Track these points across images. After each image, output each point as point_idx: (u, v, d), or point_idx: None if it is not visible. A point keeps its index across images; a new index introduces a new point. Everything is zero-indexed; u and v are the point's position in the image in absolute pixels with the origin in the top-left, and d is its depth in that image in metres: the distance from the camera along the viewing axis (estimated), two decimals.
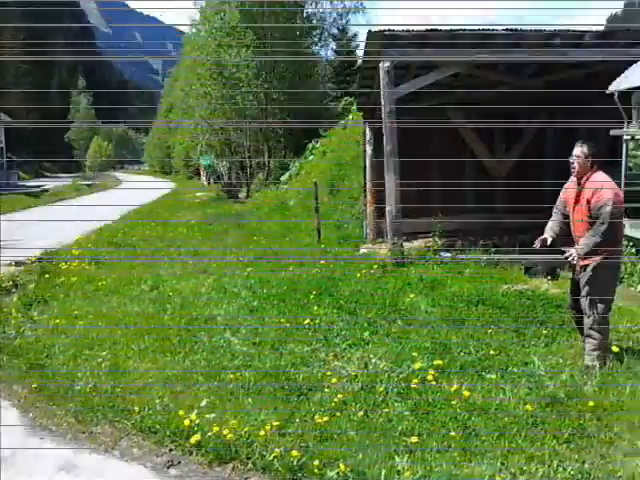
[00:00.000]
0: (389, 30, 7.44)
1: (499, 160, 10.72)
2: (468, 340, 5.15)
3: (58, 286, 8.00)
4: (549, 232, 4.86)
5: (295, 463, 3.30)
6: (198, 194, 28.00)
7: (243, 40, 18.80)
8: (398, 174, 7.87)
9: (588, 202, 4.49)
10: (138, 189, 30.15)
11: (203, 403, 4.09)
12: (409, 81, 8.39)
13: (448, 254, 8.07)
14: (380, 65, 7.73)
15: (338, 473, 3.19)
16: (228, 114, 19.77)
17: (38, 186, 47.69)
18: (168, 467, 3.52)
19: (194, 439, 3.61)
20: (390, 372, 4.52)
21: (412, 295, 6.44)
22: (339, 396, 4.06)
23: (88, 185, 48.28)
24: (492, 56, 7.54)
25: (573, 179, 4.74)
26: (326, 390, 4.21)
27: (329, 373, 4.55)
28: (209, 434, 3.62)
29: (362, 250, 9.81)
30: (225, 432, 3.61)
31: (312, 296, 6.60)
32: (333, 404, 3.99)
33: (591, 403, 3.83)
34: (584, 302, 4.55)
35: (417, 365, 4.52)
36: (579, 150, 4.62)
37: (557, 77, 9.31)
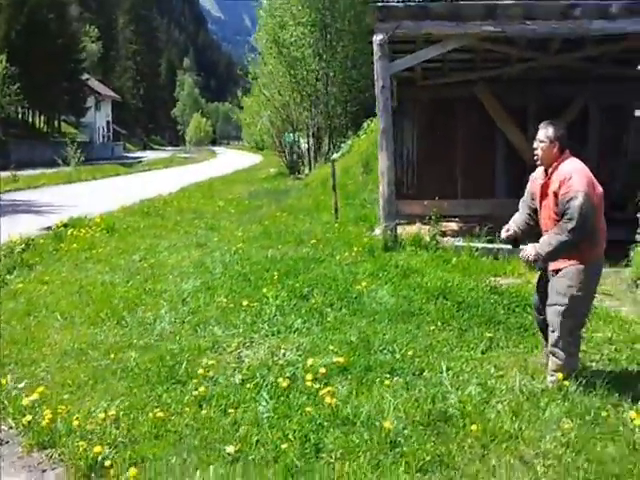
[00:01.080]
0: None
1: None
2: (398, 337, 4.49)
3: (54, 252, 8.07)
4: (512, 226, 4.00)
5: (98, 460, 2.91)
6: (272, 170, 28.08)
7: (302, 19, 18.29)
8: (392, 153, 7.14)
9: (555, 195, 3.61)
10: (220, 163, 30.86)
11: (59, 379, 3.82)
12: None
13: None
14: (373, 39, 6.99)
15: (127, 478, 2.76)
16: (290, 92, 19.42)
17: (137, 157, 50.47)
18: None
19: (25, 420, 3.31)
20: (285, 366, 3.99)
21: (372, 283, 5.79)
22: (201, 389, 3.59)
23: (185, 158, 50.38)
24: (497, 27, 6.56)
25: (541, 169, 3.82)
26: (194, 381, 3.75)
27: (213, 363, 4.09)
28: (39, 417, 3.31)
29: (376, 231, 9.15)
30: (57, 416, 3.30)
31: (276, 277, 6.14)
32: (192, 398, 3.55)
33: (474, 427, 3.10)
34: (549, 313, 3.71)
35: (310, 362, 3.95)
36: (542, 133, 3.71)
37: (588, 53, 8.06)
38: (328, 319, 4.94)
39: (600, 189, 3.64)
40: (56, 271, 7.02)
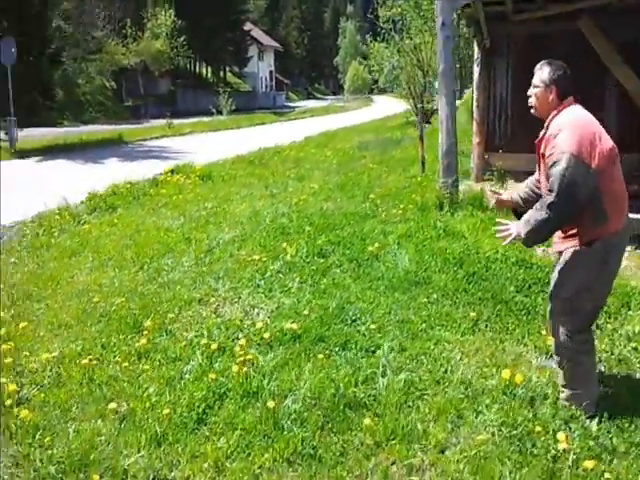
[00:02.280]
0: None
1: None
2: (381, 307, 4.05)
3: (142, 196, 8.59)
4: (513, 193, 3.23)
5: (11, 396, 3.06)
6: (411, 118, 26.99)
7: None
8: (453, 98, 6.32)
9: (543, 157, 2.82)
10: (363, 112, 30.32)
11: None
12: None
13: None
14: None
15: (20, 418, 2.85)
16: (420, 32, 18.22)
17: (296, 107, 51.79)
18: None
19: None
20: (241, 327, 3.82)
21: (398, 245, 5.29)
22: (143, 341, 3.58)
23: (340, 106, 50.62)
24: None
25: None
26: (145, 333, 3.74)
27: (186, 315, 4.05)
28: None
29: (461, 187, 8.38)
30: (15, 350, 3.52)
31: (310, 232, 5.91)
32: (134, 350, 3.55)
33: (368, 421, 2.69)
34: (548, 310, 2.97)
35: (259, 324, 3.73)
36: (536, 76, 2.88)
37: None
38: (324, 281, 4.64)
39: (608, 145, 2.71)
40: (130, 215, 7.50)
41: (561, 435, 2.49)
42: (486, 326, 3.75)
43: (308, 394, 2.98)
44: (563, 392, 2.88)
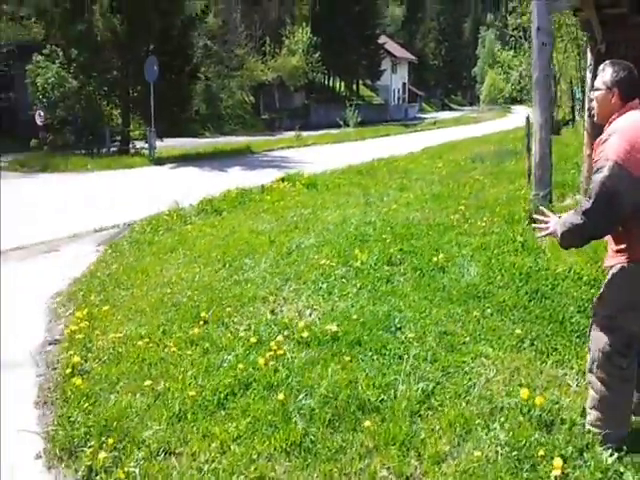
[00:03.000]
0: None
1: None
2: (430, 318, 3.98)
3: (247, 202, 9.12)
4: None
5: (75, 367, 3.48)
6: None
7: None
8: (547, 108, 5.96)
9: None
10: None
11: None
12: None
13: None
14: None
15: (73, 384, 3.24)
16: None
17: (427, 118, 51.23)
18: None
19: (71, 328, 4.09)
20: (288, 326, 3.96)
21: (471, 257, 5.13)
22: (195, 330, 3.87)
23: (473, 117, 49.28)
24: None
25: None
26: (201, 324, 4.03)
27: (245, 312, 4.29)
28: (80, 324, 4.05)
29: (567, 201, 7.86)
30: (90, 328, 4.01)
31: (388, 240, 5.92)
32: (186, 337, 3.85)
33: (368, 423, 2.67)
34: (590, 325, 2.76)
35: (302, 324, 3.83)
36: (598, 78, 2.66)
37: None
38: (383, 289, 4.64)
39: None
40: (232, 218, 8.03)
41: (557, 462, 2.31)
42: (532, 344, 3.54)
43: (325, 392, 3.06)
44: (589, 414, 2.65)
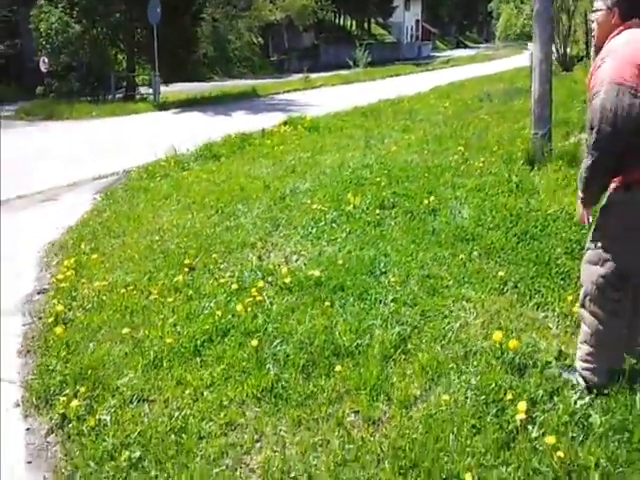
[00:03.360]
0: None
1: None
2: (415, 261, 3.88)
3: (247, 146, 8.92)
4: None
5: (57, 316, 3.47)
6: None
7: None
8: (548, 42, 5.61)
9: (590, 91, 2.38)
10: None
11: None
12: None
13: None
14: None
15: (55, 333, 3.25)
16: None
17: (441, 56, 49.39)
18: None
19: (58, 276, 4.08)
20: (272, 271, 3.89)
21: (464, 199, 4.97)
22: (179, 278, 3.83)
23: (487, 55, 47.41)
24: None
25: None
26: (185, 271, 3.98)
27: (231, 258, 4.23)
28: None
29: (570, 139, 7.56)
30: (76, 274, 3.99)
31: (383, 184, 5.76)
32: (169, 283, 3.82)
33: (339, 368, 2.63)
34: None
35: (285, 270, 3.76)
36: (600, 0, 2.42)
37: None
38: (372, 233, 4.54)
39: None
40: (229, 163, 7.88)
41: (521, 405, 2.25)
42: (515, 287, 3.44)
43: (301, 338, 3.02)
44: (579, 349, 2.53)
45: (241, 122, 11.98)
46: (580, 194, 2.46)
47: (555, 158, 5.81)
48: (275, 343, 2.98)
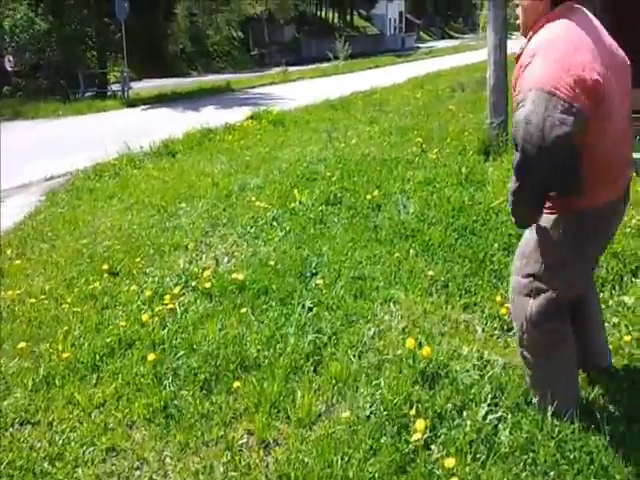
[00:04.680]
0: None
1: None
2: (348, 260, 3.65)
3: (207, 142, 8.66)
4: None
5: None
6: None
7: None
8: (502, 26, 5.38)
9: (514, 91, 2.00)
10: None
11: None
12: None
13: None
14: None
15: None
16: None
17: (424, 47, 49.08)
18: None
19: None
20: (191, 278, 3.65)
21: (413, 193, 4.74)
22: (97, 284, 3.58)
23: (470, 45, 47.21)
24: None
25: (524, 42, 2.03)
26: (106, 276, 3.74)
27: (162, 261, 3.99)
28: None
29: None
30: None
31: (334, 178, 5.53)
32: (86, 291, 3.57)
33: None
34: (510, 288, 2.24)
35: (206, 274, 3.52)
36: None
37: None
38: (312, 231, 4.31)
39: (581, 78, 1.75)
40: (185, 160, 7.61)
41: (420, 423, 2.04)
42: (445, 287, 3.23)
43: (208, 350, 2.79)
44: (534, 396, 2.19)
45: (209, 117, 11.65)
46: (512, 217, 2.08)
47: (511, 148, 5.60)
48: (179, 356, 2.75)
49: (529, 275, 2.09)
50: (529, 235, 2.12)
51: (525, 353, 2.17)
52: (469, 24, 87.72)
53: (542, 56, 1.83)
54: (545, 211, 2.01)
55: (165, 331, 2.98)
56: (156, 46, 18.04)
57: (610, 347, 2.48)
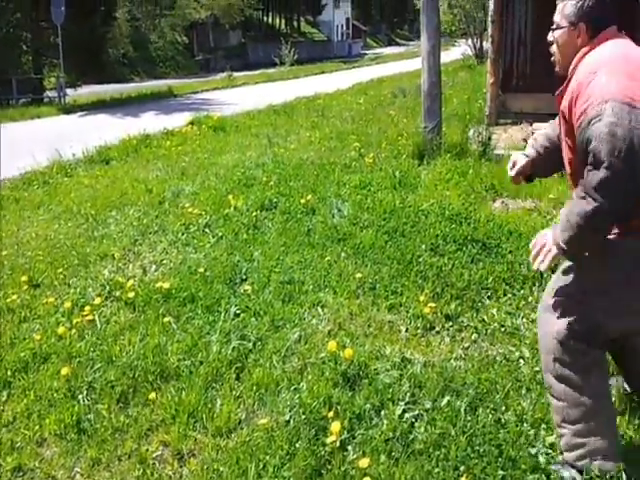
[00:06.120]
0: None
1: None
2: (277, 266, 3.65)
3: (144, 148, 8.50)
4: (529, 149, 2.18)
5: None
6: (469, 61, 25.01)
7: None
8: (435, 32, 5.53)
9: (565, 119, 1.87)
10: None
11: None
12: None
13: None
14: None
15: None
16: None
17: (371, 54, 49.87)
18: None
19: None
20: (115, 288, 3.55)
21: (348, 196, 4.79)
22: (13, 297, 3.44)
23: (415, 52, 48.28)
24: None
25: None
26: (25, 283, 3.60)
27: (90, 271, 3.87)
28: None
29: (471, 131, 7.57)
30: None
31: (271, 182, 5.52)
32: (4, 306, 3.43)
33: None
34: (538, 329, 2.02)
35: (129, 283, 3.45)
36: (558, 13, 1.91)
37: None
38: (244, 236, 4.28)
39: None
40: (119, 167, 7.43)
41: (335, 426, 2.05)
42: (373, 288, 3.27)
43: (127, 361, 2.71)
44: (562, 436, 1.89)
45: (148, 123, 11.43)
46: (561, 243, 1.76)
47: (444, 152, 5.74)
48: (95, 368, 2.67)
49: (566, 294, 1.87)
50: (563, 268, 1.92)
51: (552, 381, 1.88)
52: (415, 31, 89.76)
53: (606, 71, 1.73)
54: (617, 232, 1.80)
55: (82, 343, 2.89)
56: (95, 51, 17.56)
57: None
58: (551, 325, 1.88)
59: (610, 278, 1.80)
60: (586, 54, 1.84)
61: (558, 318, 1.86)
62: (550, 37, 1.95)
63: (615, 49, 1.81)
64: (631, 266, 1.78)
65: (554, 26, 1.92)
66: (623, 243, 1.78)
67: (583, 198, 1.67)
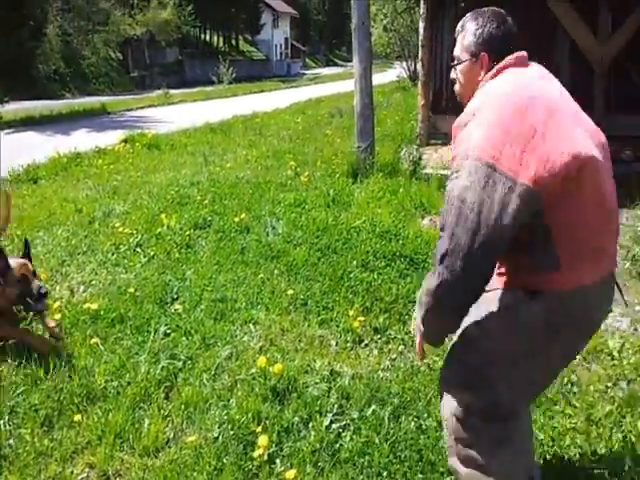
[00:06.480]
0: None
1: (603, 40, 6.81)
2: (209, 285, 3.68)
3: (74, 167, 8.31)
4: None
5: None
6: (403, 83, 25.92)
7: None
8: (367, 54, 5.77)
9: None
10: None
11: None
12: None
13: None
14: None
15: None
16: None
17: (309, 74, 50.76)
18: None
19: None
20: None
21: (283, 214, 4.88)
22: None
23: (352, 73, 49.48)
24: None
25: None
26: None
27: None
28: None
29: (403, 151, 7.85)
30: None
31: (206, 201, 5.54)
32: None
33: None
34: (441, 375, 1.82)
35: (56, 305, 3.40)
36: (458, 45, 1.75)
37: None
38: (177, 256, 4.28)
39: (570, 145, 1.47)
40: (48, 186, 7.22)
41: (262, 439, 2.10)
42: (305, 304, 3.35)
43: (53, 384, 2.66)
44: None
45: (80, 141, 11.17)
46: (419, 324, 1.64)
47: (377, 171, 5.95)
48: (18, 392, 2.60)
49: (468, 364, 1.65)
50: (475, 312, 1.62)
51: (456, 463, 1.69)
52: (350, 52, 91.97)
53: (482, 118, 1.52)
54: (507, 284, 1.65)
55: (4, 367, 2.81)
56: (24, 66, 17.01)
57: None
58: (453, 401, 1.68)
59: (516, 347, 1.59)
60: (478, 90, 1.66)
61: (459, 393, 1.66)
62: (452, 75, 1.77)
63: (506, 86, 1.59)
64: (541, 328, 1.55)
65: (455, 62, 1.74)
66: (529, 305, 1.56)
67: (429, 277, 1.54)
